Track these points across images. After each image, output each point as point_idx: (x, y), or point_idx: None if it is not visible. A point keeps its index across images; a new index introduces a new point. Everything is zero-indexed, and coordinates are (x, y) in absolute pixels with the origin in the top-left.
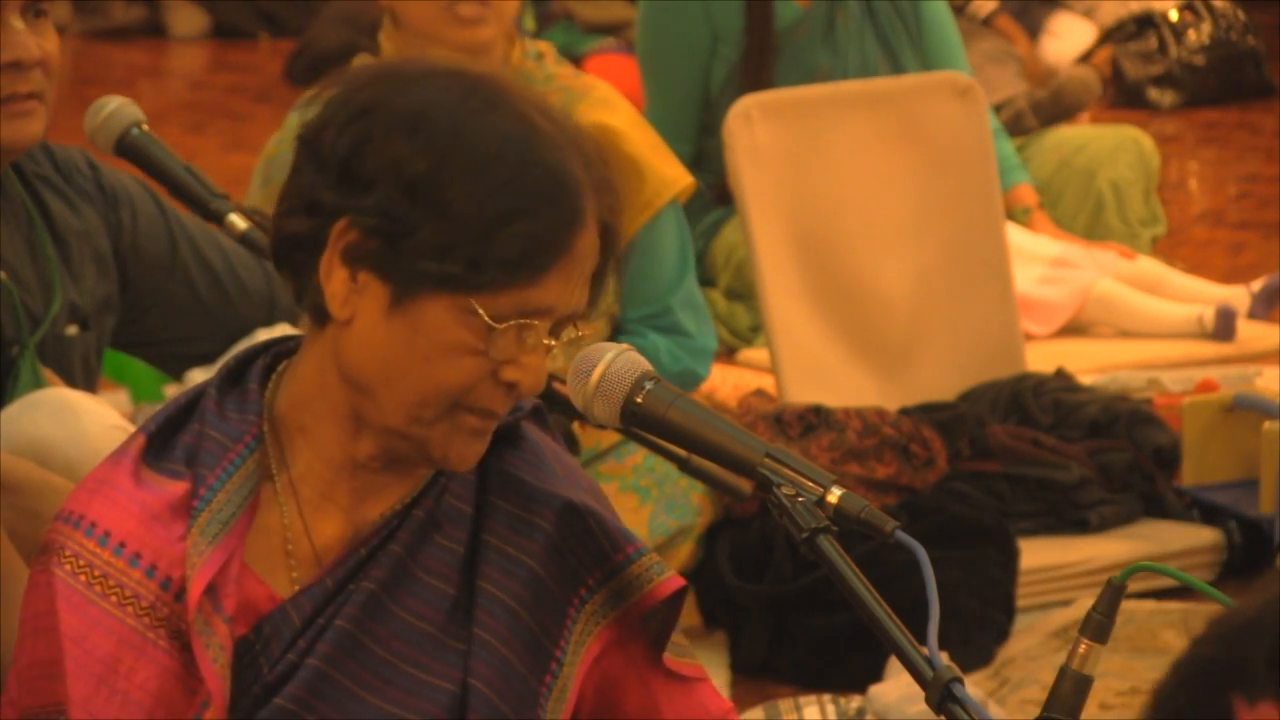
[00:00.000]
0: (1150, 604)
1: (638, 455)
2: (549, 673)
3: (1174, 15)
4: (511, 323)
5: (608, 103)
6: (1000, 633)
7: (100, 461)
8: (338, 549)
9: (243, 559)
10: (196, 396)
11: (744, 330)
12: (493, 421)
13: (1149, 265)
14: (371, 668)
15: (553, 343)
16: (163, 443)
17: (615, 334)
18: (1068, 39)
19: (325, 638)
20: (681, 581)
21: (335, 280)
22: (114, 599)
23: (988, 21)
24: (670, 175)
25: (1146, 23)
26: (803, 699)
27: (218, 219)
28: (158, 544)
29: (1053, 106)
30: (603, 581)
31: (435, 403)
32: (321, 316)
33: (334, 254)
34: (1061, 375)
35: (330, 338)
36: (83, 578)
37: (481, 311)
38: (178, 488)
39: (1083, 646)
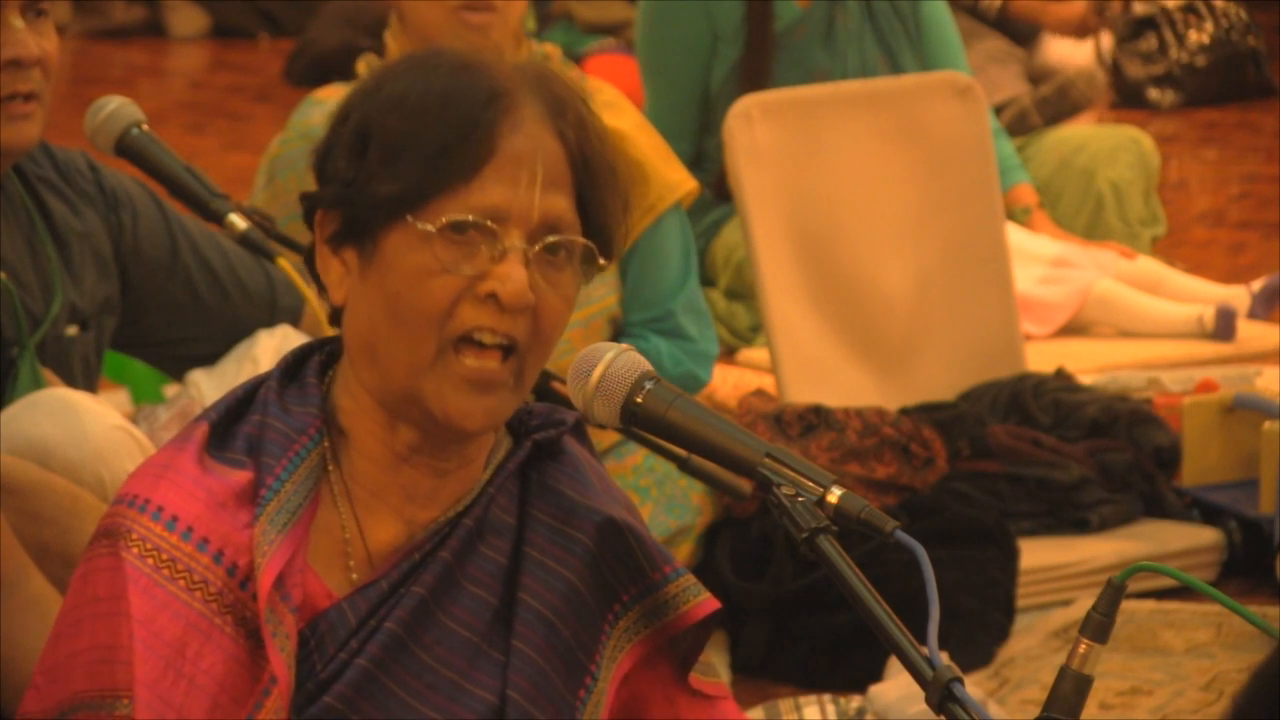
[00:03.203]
0: (1150, 604)
1: (638, 455)
2: (583, 686)
3: (1175, 16)
4: (452, 220)
5: (613, 106)
6: (1000, 633)
7: (160, 448)
8: (391, 551)
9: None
10: (255, 387)
11: (744, 330)
12: (491, 365)
13: (1149, 265)
14: (416, 672)
15: (532, 251)
16: (224, 432)
17: (617, 336)
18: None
19: (375, 639)
20: (715, 605)
21: (330, 271)
22: (182, 583)
23: (1001, 12)
24: (674, 179)
25: (1146, 23)
26: (803, 699)
27: (218, 219)
28: (224, 530)
29: (1057, 103)
30: (638, 598)
31: (421, 337)
32: (337, 320)
33: (322, 247)
34: (1061, 375)
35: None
36: (150, 560)
37: (418, 221)
38: (241, 477)
39: (1083, 646)
